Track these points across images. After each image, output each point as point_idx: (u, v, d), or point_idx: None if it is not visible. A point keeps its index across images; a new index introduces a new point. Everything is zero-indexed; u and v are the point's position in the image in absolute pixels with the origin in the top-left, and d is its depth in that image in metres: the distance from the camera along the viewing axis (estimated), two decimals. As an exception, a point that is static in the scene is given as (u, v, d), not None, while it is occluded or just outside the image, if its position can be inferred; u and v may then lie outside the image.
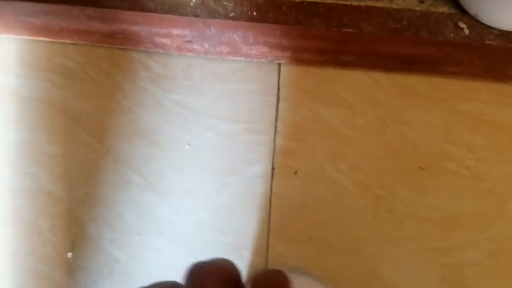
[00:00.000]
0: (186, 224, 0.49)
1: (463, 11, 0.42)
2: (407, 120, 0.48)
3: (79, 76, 0.51)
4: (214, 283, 0.21)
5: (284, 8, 0.43)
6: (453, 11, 0.42)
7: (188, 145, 0.50)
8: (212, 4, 0.43)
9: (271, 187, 0.49)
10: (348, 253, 0.47)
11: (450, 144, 0.48)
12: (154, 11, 0.43)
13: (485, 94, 0.46)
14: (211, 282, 0.21)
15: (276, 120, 0.49)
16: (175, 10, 0.43)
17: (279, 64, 0.48)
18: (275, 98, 0.49)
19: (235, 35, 0.45)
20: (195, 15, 0.43)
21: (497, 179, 0.47)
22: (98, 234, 0.50)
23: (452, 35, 0.42)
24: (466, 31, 0.42)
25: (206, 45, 0.47)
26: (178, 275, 0.47)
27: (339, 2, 0.43)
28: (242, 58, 0.47)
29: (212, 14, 0.43)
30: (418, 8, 0.43)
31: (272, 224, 0.48)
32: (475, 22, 0.42)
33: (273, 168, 0.49)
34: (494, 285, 0.45)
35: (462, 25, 0.43)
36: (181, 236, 0.49)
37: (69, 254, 0.50)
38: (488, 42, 0.42)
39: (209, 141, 0.49)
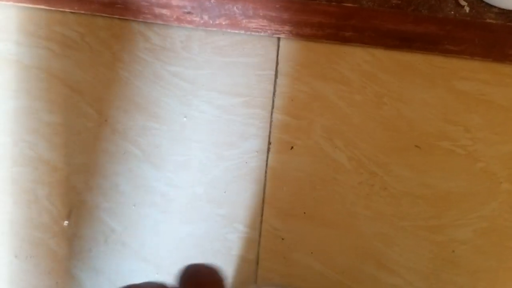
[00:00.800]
0: (181, 196, 0.49)
1: (464, -13, 0.42)
2: (405, 98, 0.48)
3: (79, 46, 0.51)
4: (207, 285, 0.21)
5: (284, -21, 0.43)
6: (454, -14, 0.42)
7: (186, 117, 0.50)
8: (212, -27, 0.43)
9: (267, 161, 0.49)
10: (341, 229, 0.47)
11: (447, 123, 0.48)
12: (154, -21, 0.43)
13: (484, 73, 0.46)
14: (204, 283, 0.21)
15: (273, 94, 0.49)
16: (175, -22, 0.43)
17: (278, 39, 0.48)
18: (273, 72, 0.49)
19: (235, 8, 0.45)
20: (195, -16, 0.43)
21: (492, 159, 0.47)
22: (94, 204, 0.50)
23: (452, 12, 0.42)
24: (467, 9, 0.42)
25: (206, 17, 0.46)
26: (172, 247, 0.48)
27: (339, -26, 0.43)
28: (242, 31, 0.47)
29: (212, -17, 0.43)
30: (419, -17, 0.43)
31: (267, 198, 0.48)
32: (475, 0, 0.42)
33: (269, 143, 0.49)
34: (484, 264, 0.46)
35: (463, 2, 0.42)
36: (176, 207, 0.49)
37: (65, 222, 0.50)
38: (488, 20, 0.42)
39: (207, 114, 0.49)
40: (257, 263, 0.48)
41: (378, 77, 0.47)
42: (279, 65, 0.48)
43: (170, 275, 0.49)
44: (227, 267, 0.49)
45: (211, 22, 0.46)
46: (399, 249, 0.46)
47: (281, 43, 0.48)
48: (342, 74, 0.47)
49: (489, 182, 0.46)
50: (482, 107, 0.47)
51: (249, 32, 0.47)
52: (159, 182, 0.49)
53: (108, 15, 0.49)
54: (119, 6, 0.47)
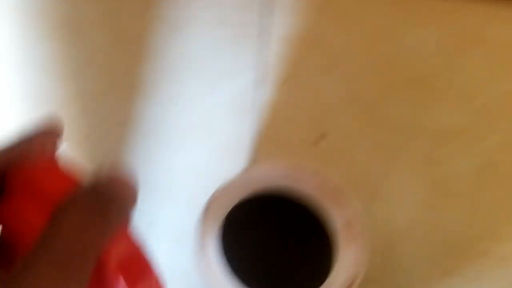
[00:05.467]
0: (172, 127, 0.48)
1: None
2: (403, 32, 0.47)
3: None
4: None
5: None
6: None
7: (179, 48, 0.49)
8: None
9: (261, 93, 0.48)
10: (337, 162, 0.46)
11: (446, 59, 0.47)
12: None
13: (485, 9, 0.45)
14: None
15: (269, 26, 0.48)
16: None
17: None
18: (270, 6, 0.48)
19: None
20: None
21: (492, 95, 0.46)
22: (89, 130, 0.49)
23: None
24: None
25: None
26: (164, 175, 0.46)
27: None
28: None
29: None
30: None
31: (261, 131, 0.47)
32: None
33: (263, 75, 0.48)
34: (482, 198, 0.45)
35: None
36: (168, 137, 0.48)
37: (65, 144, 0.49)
38: None
39: (201, 45, 0.48)
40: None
41: (378, 8, 0.47)
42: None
43: (164, 202, 0.47)
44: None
45: None
46: (395, 181, 0.45)
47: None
48: (340, 6, 0.47)
49: (489, 117, 0.46)
50: (483, 44, 0.46)
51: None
52: (150, 113, 0.48)
53: None
54: None
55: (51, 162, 0.19)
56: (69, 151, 0.48)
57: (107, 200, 0.16)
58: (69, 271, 0.14)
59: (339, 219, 0.38)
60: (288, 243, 0.42)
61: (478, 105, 0.46)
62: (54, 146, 0.21)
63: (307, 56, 0.47)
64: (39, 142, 0.20)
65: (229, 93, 0.48)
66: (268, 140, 0.47)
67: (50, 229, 0.14)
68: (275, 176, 0.37)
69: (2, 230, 0.18)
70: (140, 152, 0.49)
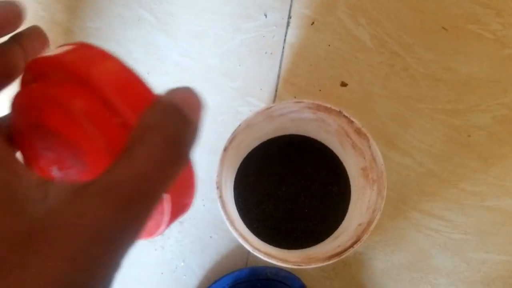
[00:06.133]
0: (194, 66, 0.48)
1: None
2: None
3: None
4: None
5: None
6: None
7: (204, -15, 0.48)
8: None
9: (285, 36, 0.47)
10: (357, 108, 0.46)
11: (479, 5, 0.45)
12: None
13: None
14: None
15: (298, -34, 0.46)
16: None
17: None
18: None
19: None
20: None
21: (522, 45, 0.45)
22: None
23: None
24: None
25: None
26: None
27: None
28: None
29: None
30: None
31: (283, 73, 0.47)
32: None
33: (289, 17, 0.47)
34: (498, 150, 0.45)
35: None
36: (189, 77, 0.48)
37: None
38: None
39: (226, -17, 0.47)
40: (268, 136, 0.48)
41: None
42: None
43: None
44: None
45: None
46: (413, 131, 0.45)
47: None
48: None
49: (515, 69, 0.44)
50: (518, -9, 0.44)
51: None
52: (173, 51, 0.48)
53: None
54: None
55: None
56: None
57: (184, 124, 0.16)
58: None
59: (358, 164, 0.39)
60: (305, 185, 0.43)
61: (506, 55, 0.45)
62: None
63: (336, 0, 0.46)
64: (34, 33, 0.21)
65: (254, 33, 0.47)
66: (290, 83, 0.47)
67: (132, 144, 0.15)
68: (298, 112, 0.37)
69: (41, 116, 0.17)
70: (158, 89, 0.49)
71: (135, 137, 0.15)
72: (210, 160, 0.44)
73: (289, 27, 0.47)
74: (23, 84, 0.18)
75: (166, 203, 0.18)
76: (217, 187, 0.34)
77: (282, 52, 0.47)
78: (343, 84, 0.46)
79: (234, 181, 0.43)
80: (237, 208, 0.42)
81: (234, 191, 0.42)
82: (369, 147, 0.35)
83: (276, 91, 0.47)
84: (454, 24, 0.45)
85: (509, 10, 0.44)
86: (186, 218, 0.47)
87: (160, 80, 0.49)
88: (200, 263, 0.47)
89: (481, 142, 0.44)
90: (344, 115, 0.35)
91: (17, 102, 0.18)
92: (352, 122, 0.35)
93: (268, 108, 0.35)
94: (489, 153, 0.44)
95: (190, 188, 0.19)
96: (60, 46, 0.18)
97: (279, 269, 0.44)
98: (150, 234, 0.19)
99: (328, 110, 0.35)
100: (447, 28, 0.45)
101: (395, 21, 0.46)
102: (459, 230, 0.44)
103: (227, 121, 0.47)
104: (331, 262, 0.33)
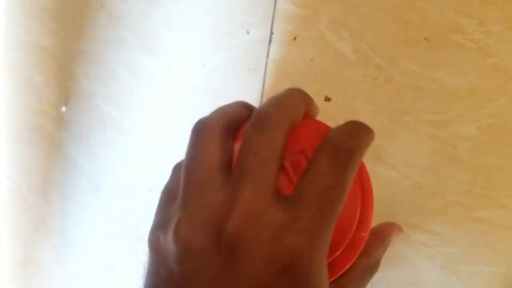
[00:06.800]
0: (179, 85, 0.48)
1: None
2: (416, -14, 0.44)
3: None
4: (212, 133, 0.21)
5: None
6: None
7: (184, 4, 0.48)
8: None
9: (268, 52, 0.47)
10: (341, 122, 0.46)
11: (461, 15, 0.45)
12: None
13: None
14: (208, 133, 0.21)
15: (278, -18, 0.46)
16: None
17: None
18: (279, -43, 0.46)
19: None
20: None
21: (504, 54, 0.45)
22: (91, 91, 0.50)
23: None
24: None
25: None
26: (171, 134, 0.47)
27: None
28: None
29: None
30: None
31: (266, 89, 0.47)
32: None
33: (271, 33, 0.47)
34: (485, 161, 0.45)
35: None
36: (174, 96, 0.48)
37: (63, 108, 0.50)
38: None
39: (207, 1, 0.47)
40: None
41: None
42: None
43: (169, 160, 0.48)
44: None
45: None
46: (399, 144, 0.45)
47: None
48: None
49: (499, 78, 0.44)
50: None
51: None
52: (157, 71, 0.48)
53: None
54: None
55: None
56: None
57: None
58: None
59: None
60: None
61: (489, 64, 0.45)
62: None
63: (317, 11, 0.46)
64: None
65: (237, 50, 0.47)
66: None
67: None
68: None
69: None
70: (143, 110, 0.49)
71: None
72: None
73: (271, 43, 0.47)
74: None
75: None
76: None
77: (265, 68, 0.47)
78: (327, 99, 0.46)
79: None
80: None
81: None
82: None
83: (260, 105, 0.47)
84: (437, 35, 0.45)
85: (491, 18, 0.44)
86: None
87: (146, 100, 0.49)
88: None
89: (467, 153, 0.44)
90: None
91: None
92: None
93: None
94: (476, 164, 0.44)
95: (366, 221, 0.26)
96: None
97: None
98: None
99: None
100: (430, 39, 0.45)
101: (378, 33, 0.45)
102: (447, 243, 0.44)
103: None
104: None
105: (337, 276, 0.25)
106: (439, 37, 0.45)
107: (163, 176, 0.50)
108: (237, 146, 0.24)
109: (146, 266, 0.22)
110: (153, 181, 0.49)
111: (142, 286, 0.21)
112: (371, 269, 0.27)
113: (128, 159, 0.50)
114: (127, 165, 0.51)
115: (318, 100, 0.44)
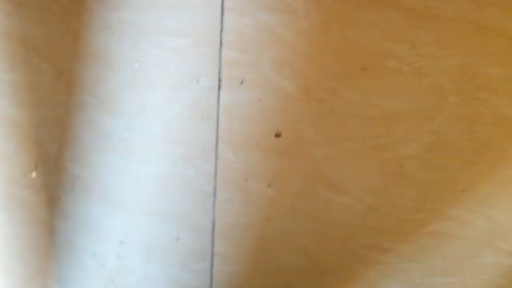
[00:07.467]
0: (139, 139, 0.50)
1: None
2: (351, 22, 0.47)
3: (28, 2, 0.51)
4: None
5: None
6: None
7: (137, 63, 0.51)
8: None
9: (218, 98, 0.50)
10: (293, 156, 0.48)
11: (393, 42, 0.48)
12: None
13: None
14: None
15: (221, 31, 0.49)
16: None
17: (217, -27, 0.48)
18: (219, 9, 0.49)
19: None
20: None
21: (438, 73, 0.47)
22: (58, 154, 0.52)
23: None
24: None
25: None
26: (134, 187, 0.49)
27: None
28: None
29: None
30: None
31: (221, 133, 0.50)
32: None
33: (219, 80, 0.50)
34: (432, 176, 0.46)
35: None
36: (135, 150, 0.51)
37: (33, 174, 0.53)
38: None
39: (157, 58, 0.50)
40: (215, 195, 0.50)
41: (323, 2, 0.47)
42: (225, 1, 0.48)
43: (136, 213, 0.51)
44: (187, 202, 0.50)
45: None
46: (348, 169, 0.47)
47: (219, -23, 0.48)
48: (287, 3, 0.47)
49: (436, 96, 0.47)
50: (429, 22, 0.47)
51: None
52: (117, 128, 0.51)
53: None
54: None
55: None
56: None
57: None
58: None
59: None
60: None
61: (425, 84, 0.47)
62: None
63: (260, 55, 0.49)
64: None
65: (190, 100, 0.50)
66: (229, 141, 0.50)
67: None
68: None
69: None
70: (108, 166, 0.52)
71: None
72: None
73: (221, 89, 0.50)
74: None
75: None
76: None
77: (217, 113, 0.50)
78: (277, 135, 0.49)
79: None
80: None
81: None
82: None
83: (216, 150, 0.50)
84: (373, 63, 0.47)
85: (422, 40, 0.47)
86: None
87: (108, 157, 0.51)
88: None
89: (413, 170, 0.46)
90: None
91: None
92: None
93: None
94: (422, 180, 0.46)
95: None
96: None
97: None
98: None
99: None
100: (367, 68, 0.48)
101: (317, 68, 0.48)
102: (405, 259, 0.45)
103: (177, 186, 0.50)
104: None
105: None
106: (375, 65, 0.47)
107: (133, 228, 0.52)
108: None
109: None
110: (123, 234, 0.51)
111: None
112: None
113: (96, 214, 0.53)
114: (96, 220, 0.53)
115: (269, 137, 0.46)
